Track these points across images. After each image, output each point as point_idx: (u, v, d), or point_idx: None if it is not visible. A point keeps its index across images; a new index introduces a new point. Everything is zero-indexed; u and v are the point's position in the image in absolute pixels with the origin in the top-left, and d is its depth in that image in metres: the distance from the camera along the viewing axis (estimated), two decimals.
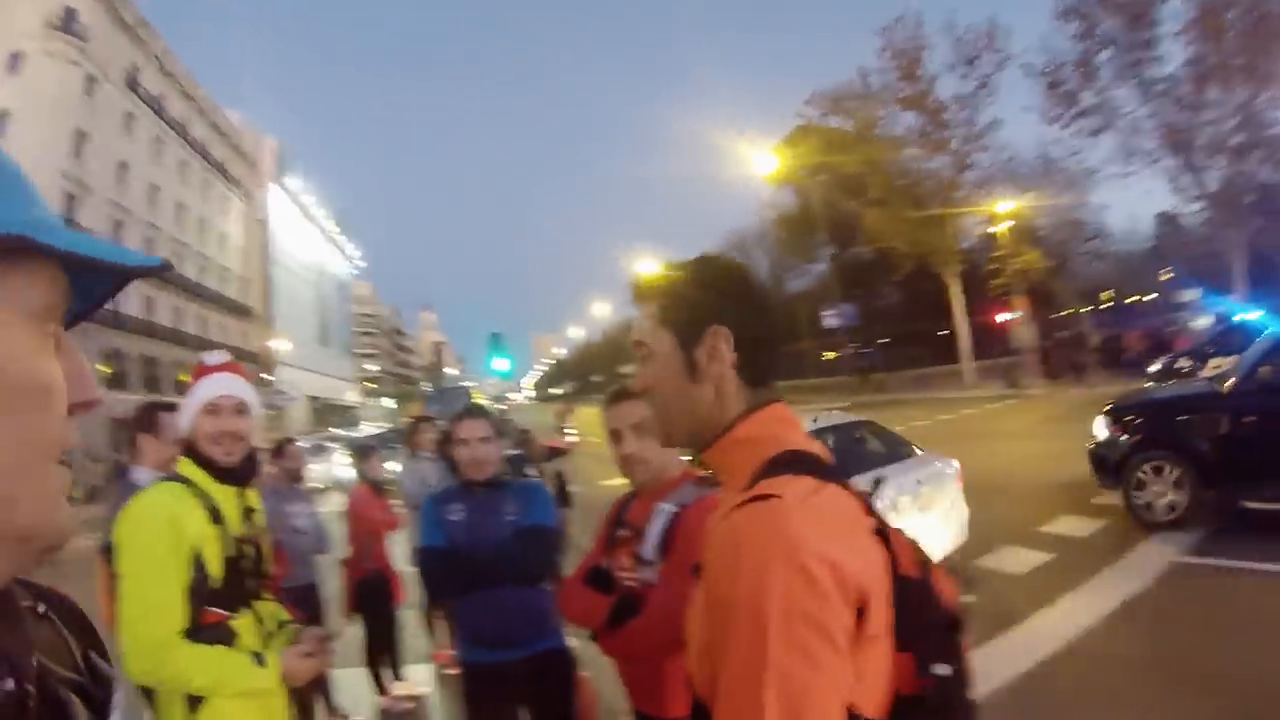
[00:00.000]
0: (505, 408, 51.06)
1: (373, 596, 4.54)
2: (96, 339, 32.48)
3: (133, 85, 36.97)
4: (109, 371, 33.33)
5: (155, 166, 39.51)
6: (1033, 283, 28.03)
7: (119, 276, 0.58)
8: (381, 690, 4.58)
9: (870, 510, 0.91)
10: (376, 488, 4.88)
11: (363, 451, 5.20)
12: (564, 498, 6.47)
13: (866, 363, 39.22)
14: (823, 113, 32.01)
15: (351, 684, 4.44)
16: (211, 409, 1.90)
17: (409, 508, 4.81)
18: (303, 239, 64.12)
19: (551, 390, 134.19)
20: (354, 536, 4.69)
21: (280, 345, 51.61)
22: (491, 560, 2.40)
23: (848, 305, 35.17)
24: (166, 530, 1.70)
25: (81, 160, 32.68)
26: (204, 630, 1.71)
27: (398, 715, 4.49)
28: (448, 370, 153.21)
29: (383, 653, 4.61)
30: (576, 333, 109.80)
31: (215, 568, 1.75)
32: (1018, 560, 5.90)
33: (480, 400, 36.37)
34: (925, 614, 0.87)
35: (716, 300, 1.00)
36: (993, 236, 28.07)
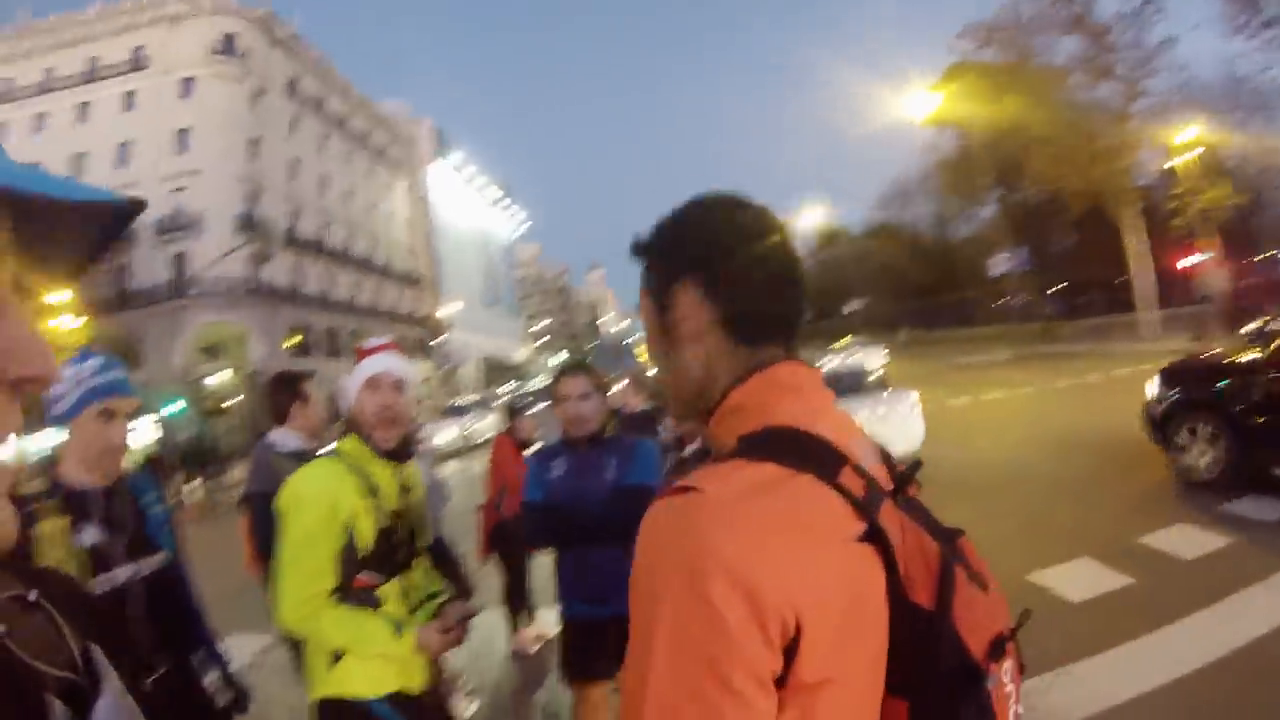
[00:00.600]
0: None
1: (506, 542, 4.73)
2: (283, 314, 37.33)
3: (293, 92, 41.96)
4: (298, 342, 37.96)
5: (322, 159, 44.63)
6: (1223, 222, 24.50)
7: (101, 217, 0.53)
8: (515, 630, 4.85)
9: (865, 512, 0.68)
10: (519, 442, 4.94)
11: (510, 409, 5.22)
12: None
13: (1041, 310, 36.42)
14: (977, 46, 29.37)
15: (488, 625, 4.64)
16: (372, 384, 2.03)
17: None
18: (466, 208, 68.69)
19: None
20: (492, 485, 4.86)
21: (449, 309, 55.81)
22: (587, 518, 2.45)
23: (1020, 249, 33.05)
24: (323, 502, 1.84)
25: (256, 162, 37.66)
26: (352, 593, 1.86)
27: (528, 655, 4.76)
28: (614, 327, 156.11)
29: (516, 595, 4.85)
30: None
31: (366, 539, 1.88)
32: (1189, 542, 5.12)
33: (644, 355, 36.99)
34: (932, 654, 0.67)
35: (689, 250, 0.85)
36: (1173, 171, 24.85)
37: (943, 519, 0.81)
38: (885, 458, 0.86)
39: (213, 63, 36.29)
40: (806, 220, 60.47)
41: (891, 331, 48.04)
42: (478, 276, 70.41)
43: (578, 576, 2.56)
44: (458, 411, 24.88)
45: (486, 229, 76.47)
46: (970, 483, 7.59)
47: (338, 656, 1.85)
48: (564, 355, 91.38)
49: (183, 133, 35.69)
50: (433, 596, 2.08)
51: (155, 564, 1.95)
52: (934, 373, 22.58)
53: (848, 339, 37.82)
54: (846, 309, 55.33)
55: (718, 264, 0.83)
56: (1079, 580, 4.71)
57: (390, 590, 1.93)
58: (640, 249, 0.91)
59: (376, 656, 1.84)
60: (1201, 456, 6.29)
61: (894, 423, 8.32)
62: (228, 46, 36.77)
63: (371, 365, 2.05)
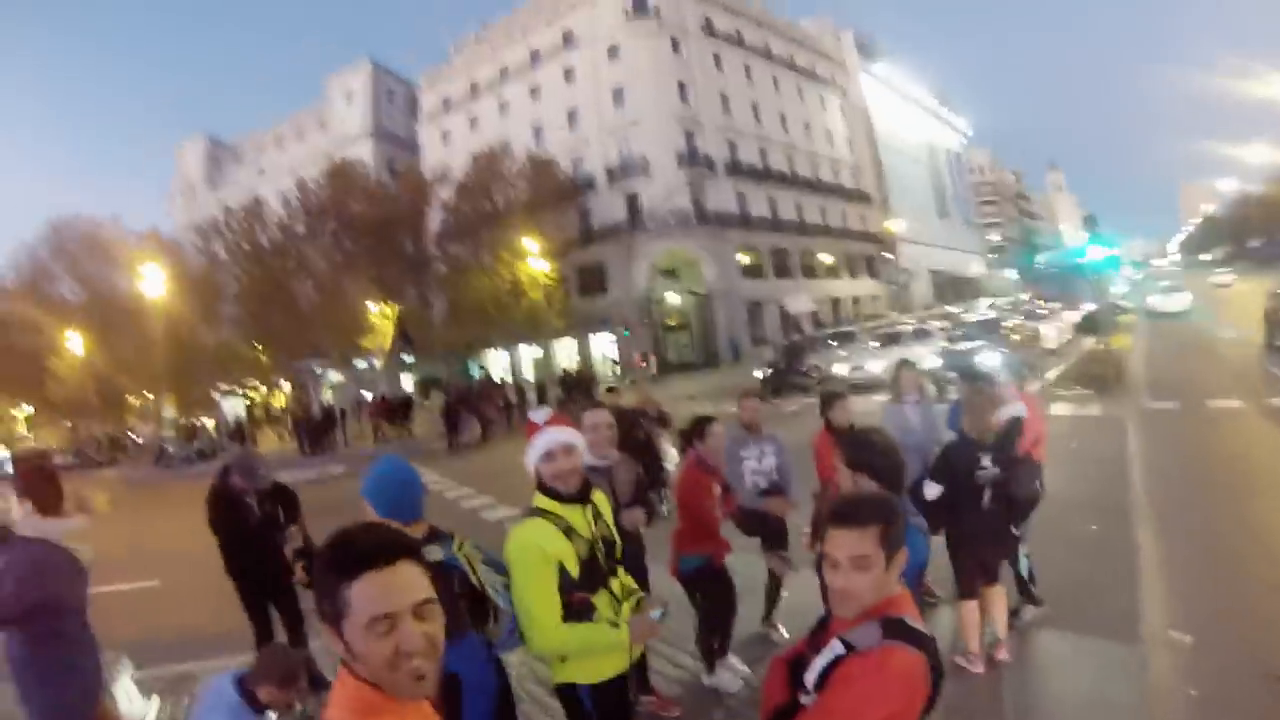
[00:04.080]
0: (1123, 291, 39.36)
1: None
2: (730, 238, 38.08)
3: (710, 32, 41.84)
4: (748, 262, 39.09)
5: (750, 89, 43.96)
6: None
7: None
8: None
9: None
10: (837, 433, 4.59)
11: (828, 399, 4.84)
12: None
13: None
14: None
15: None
16: (549, 457, 2.47)
17: None
18: (905, 119, 62.58)
19: (1201, 256, 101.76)
20: (819, 472, 4.65)
21: (897, 224, 51.67)
22: None
23: None
24: (537, 555, 2.33)
25: (689, 104, 39.15)
26: (571, 608, 2.35)
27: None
28: (1071, 240, 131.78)
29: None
30: (1228, 185, 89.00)
31: (573, 569, 2.36)
32: None
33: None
34: None
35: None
36: None
37: None
38: None
39: (630, 25, 38.93)
40: None
41: None
42: (926, 188, 63.85)
43: None
44: (893, 339, 20.91)
45: (930, 138, 68.86)
46: None
47: (563, 657, 2.46)
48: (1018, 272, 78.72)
49: (618, 91, 39.23)
50: (630, 593, 2.58)
51: None
52: None
53: None
54: None
55: None
56: None
57: (600, 598, 2.44)
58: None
59: (592, 654, 2.44)
60: None
61: None
62: (640, 6, 39.03)
63: (544, 440, 2.50)
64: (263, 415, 42.47)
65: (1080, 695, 3.64)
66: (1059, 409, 12.10)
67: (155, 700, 4.81)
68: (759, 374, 21.21)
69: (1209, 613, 4.53)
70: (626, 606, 2.49)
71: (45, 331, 37.41)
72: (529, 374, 37.01)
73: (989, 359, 15.30)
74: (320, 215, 32.74)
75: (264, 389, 44.99)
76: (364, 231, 32.45)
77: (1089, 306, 19.13)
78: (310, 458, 23.21)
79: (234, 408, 39.90)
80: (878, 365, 18.86)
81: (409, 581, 1.22)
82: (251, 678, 2.78)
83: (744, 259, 39.08)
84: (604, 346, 38.25)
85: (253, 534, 4.49)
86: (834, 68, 54.16)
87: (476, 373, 36.19)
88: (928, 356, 17.50)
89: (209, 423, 35.58)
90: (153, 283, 26.97)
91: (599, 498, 2.60)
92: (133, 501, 17.58)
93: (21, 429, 51.12)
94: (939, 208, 65.90)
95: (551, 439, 2.47)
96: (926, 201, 62.57)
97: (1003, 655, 4.05)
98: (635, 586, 2.63)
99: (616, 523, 2.74)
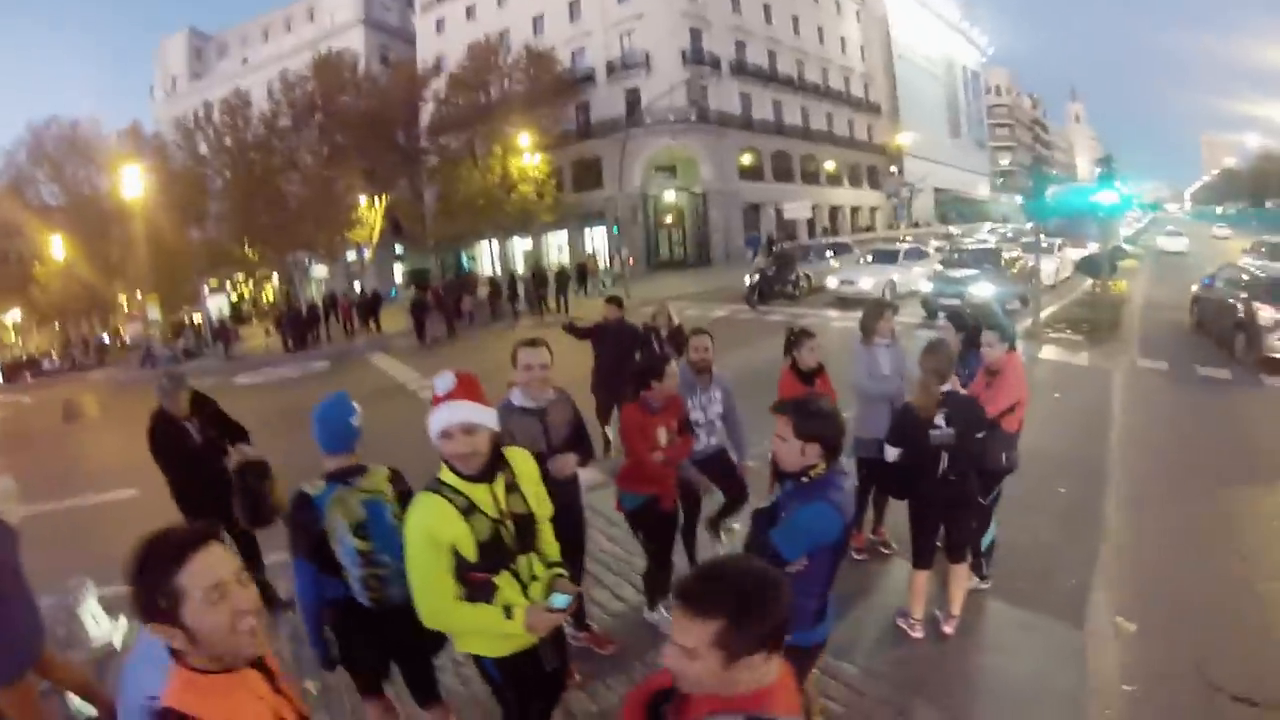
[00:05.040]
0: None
1: None
2: (731, 138, 36.83)
3: None
4: (747, 163, 37.95)
5: None
6: None
7: None
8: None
9: None
10: (802, 375, 4.55)
11: (796, 338, 4.66)
12: None
13: None
14: None
15: None
16: (445, 435, 2.23)
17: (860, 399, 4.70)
18: (925, 31, 59.64)
19: (1215, 208, 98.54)
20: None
21: (906, 138, 50.08)
22: None
23: None
24: (424, 539, 2.18)
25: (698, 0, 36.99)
26: (471, 587, 2.25)
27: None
28: (1084, 176, 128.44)
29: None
30: (1253, 141, 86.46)
31: (469, 552, 2.21)
32: None
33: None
34: None
35: None
36: None
37: None
38: None
39: None
40: None
41: None
42: (939, 104, 61.46)
43: None
44: (887, 257, 20.15)
45: (948, 53, 65.91)
46: None
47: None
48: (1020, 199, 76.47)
49: None
50: (550, 566, 2.44)
51: None
52: None
53: None
54: None
55: None
56: None
57: (503, 579, 2.29)
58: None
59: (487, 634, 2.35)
60: None
61: None
62: None
63: (441, 417, 2.24)
64: (251, 310, 42.17)
65: (1021, 677, 3.58)
66: (1047, 352, 11.57)
67: (122, 620, 4.66)
68: (747, 279, 20.50)
69: (1163, 604, 4.32)
70: (536, 588, 2.36)
71: (28, 236, 37.92)
72: (520, 267, 36.41)
73: (982, 288, 14.71)
74: (307, 108, 31.48)
75: (251, 285, 44.87)
76: (353, 124, 31.31)
77: (1093, 246, 18.10)
78: (293, 354, 23.03)
79: (219, 305, 39.42)
80: (869, 281, 18.18)
81: (223, 556, 1.42)
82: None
83: (744, 160, 38.00)
84: (598, 242, 37.58)
85: (195, 459, 4.45)
86: None
87: (467, 264, 35.78)
88: (920, 279, 17.01)
89: (198, 318, 35.17)
90: (131, 184, 26.71)
91: (520, 465, 2.40)
92: (119, 406, 17.36)
93: (10, 335, 51.41)
94: (951, 125, 63.67)
95: (448, 418, 2.22)
96: (938, 117, 60.36)
97: (948, 629, 3.90)
98: (554, 562, 2.46)
99: (547, 476, 2.64)
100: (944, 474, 3.64)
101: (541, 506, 2.42)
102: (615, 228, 30.81)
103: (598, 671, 3.65)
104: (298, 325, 25.09)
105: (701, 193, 36.20)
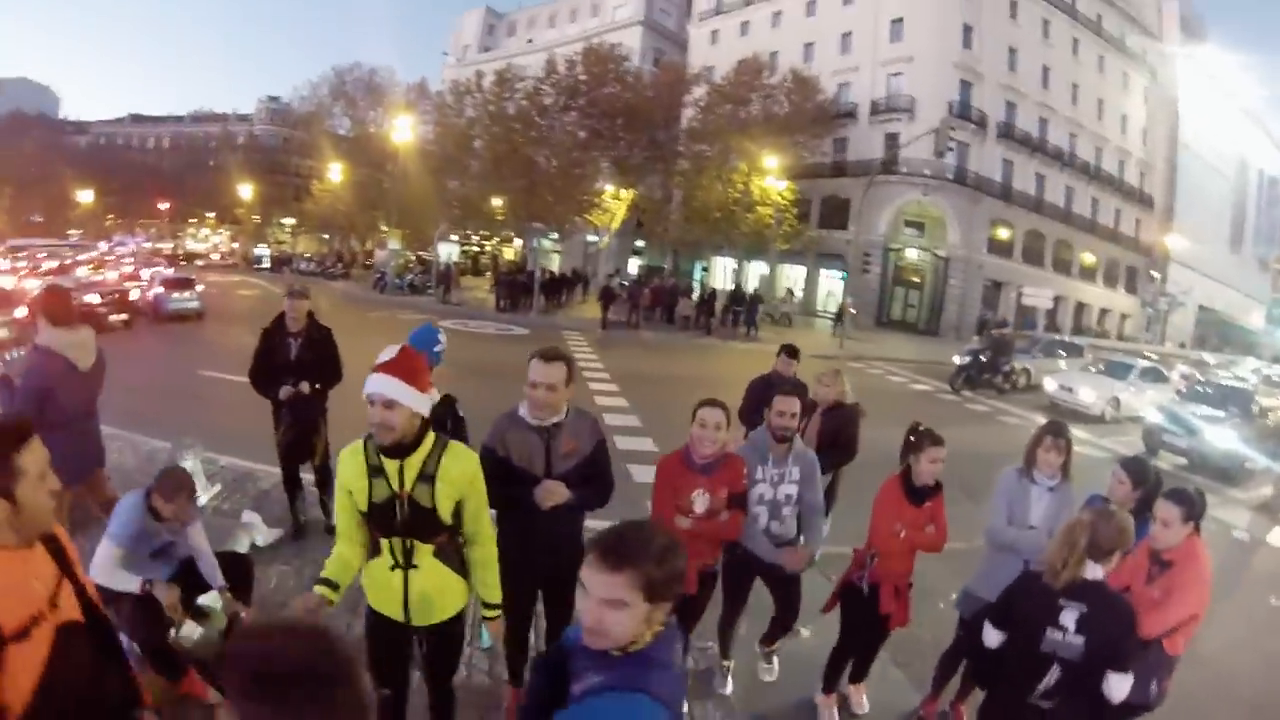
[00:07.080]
0: None
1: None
2: (985, 206, 35.13)
3: None
4: (998, 240, 36.15)
5: (1045, 48, 38.93)
6: None
7: None
8: None
9: None
10: (912, 492, 3.63)
11: (919, 439, 3.69)
12: None
13: None
14: None
15: None
16: (369, 401, 2.30)
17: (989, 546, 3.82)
18: (1220, 122, 52.87)
19: None
20: (871, 533, 3.83)
21: (1176, 241, 44.70)
22: None
23: None
24: (340, 474, 2.47)
25: (971, 50, 35.42)
26: (369, 537, 2.53)
27: None
28: None
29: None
30: None
31: (361, 504, 2.43)
32: None
33: None
34: None
35: None
36: None
37: None
38: None
39: None
40: None
41: None
42: (1222, 209, 54.31)
43: None
44: (1120, 370, 17.39)
45: (1244, 153, 58.20)
46: None
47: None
48: None
49: (897, 21, 36.43)
50: (490, 607, 2.69)
51: None
52: None
53: None
54: None
55: None
56: None
57: (388, 544, 2.48)
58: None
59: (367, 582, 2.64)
60: None
61: None
62: None
63: (369, 385, 2.30)
64: (489, 265, 46.34)
65: None
66: (1277, 537, 9.17)
67: (215, 488, 5.93)
68: (957, 359, 18.89)
69: None
70: (397, 575, 2.50)
71: (314, 159, 44.92)
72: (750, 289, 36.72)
73: (1222, 435, 12.30)
74: (571, 91, 33.45)
75: (492, 243, 48.72)
76: (613, 114, 32.97)
77: None
78: (500, 314, 25.17)
79: (449, 252, 42.74)
80: (1090, 394, 15.94)
81: (40, 446, 1.65)
82: (150, 491, 3.30)
83: (996, 232, 36.11)
84: (834, 283, 37.05)
85: (278, 371, 5.12)
86: (1147, 42, 46.33)
87: (699, 274, 36.82)
88: (1150, 405, 14.50)
89: (431, 259, 38.44)
90: (403, 130, 31.68)
91: (451, 463, 2.41)
92: (339, 315, 19.38)
93: (284, 236, 60.13)
94: (1232, 236, 56.19)
95: (372, 387, 2.29)
96: (1218, 224, 53.40)
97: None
98: (493, 604, 2.69)
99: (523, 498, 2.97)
100: (1043, 692, 2.59)
101: (446, 507, 2.43)
102: (845, 274, 30.19)
103: None
104: (514, 289, 26.97)
105: (945, 257, 34.75)
